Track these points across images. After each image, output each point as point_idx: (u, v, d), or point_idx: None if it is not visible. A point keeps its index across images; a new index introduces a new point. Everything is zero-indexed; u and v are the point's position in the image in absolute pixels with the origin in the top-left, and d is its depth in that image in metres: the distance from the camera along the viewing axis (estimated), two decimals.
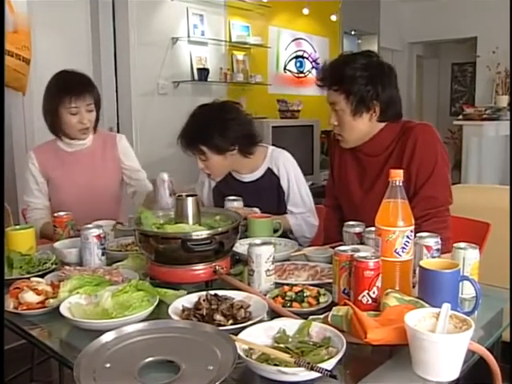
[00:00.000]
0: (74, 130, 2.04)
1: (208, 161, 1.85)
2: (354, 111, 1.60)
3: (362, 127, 1.63)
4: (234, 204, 1.80)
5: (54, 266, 1.48)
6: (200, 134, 1.81)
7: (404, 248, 1.13)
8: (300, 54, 5.23)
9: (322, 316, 1.07)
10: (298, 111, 4.69)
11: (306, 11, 4.83)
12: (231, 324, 1.05)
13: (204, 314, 1.08)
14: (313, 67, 5.36)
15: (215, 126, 1.80)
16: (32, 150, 2.16)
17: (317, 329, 0.99)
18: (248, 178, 1.97)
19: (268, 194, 1.92)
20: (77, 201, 2.06)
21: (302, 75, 5.27)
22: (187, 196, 1.39)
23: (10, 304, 1.19)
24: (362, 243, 1.43)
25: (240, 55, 4.51)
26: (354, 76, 1.57)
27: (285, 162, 1.95)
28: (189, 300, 1.15)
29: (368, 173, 1.71)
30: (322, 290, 1.22)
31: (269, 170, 1.95)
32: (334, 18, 5.19)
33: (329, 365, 0.86)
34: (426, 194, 1.59)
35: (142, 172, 2.22)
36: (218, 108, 1.89)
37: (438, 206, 1.60)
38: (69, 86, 2.00)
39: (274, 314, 1.11)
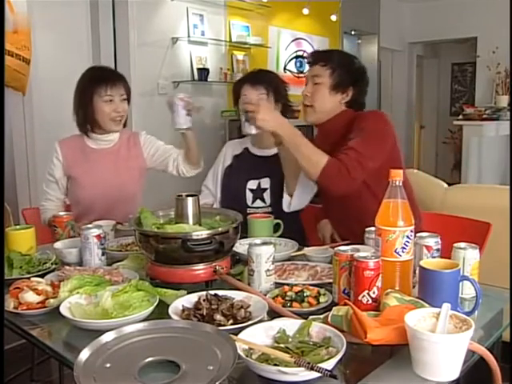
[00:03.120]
0: (108, 119, 2.05)
1: (266, 101, 2.03)
2: (332, 87, 1.80)
3: (332, 104, 1.82)
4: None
5: (54, 266, 1.48)
6: (266, 75, 2.15)
7: (404, 248, 1.13)
8: (300, 53, 5.23)
9: (322, 316, 1.07)
10: (298, 111, 4.68)
11: (306, 11, 4.82)
12: (231, 324, 1.05)
13: (204, 313, 1.08)
14: None
15: (276, 76, 2.19)
16: (58, 142, 2.14)
17: (317, 329, 0.99)
18: (265, 152, 2.12)
19: (279, 170, 2.00)
20: (96, 199, 2.07)
21: (302, 75, 5.25)
22: (187, 196, 1.39)
23: (10, 304, 1.19)
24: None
25: (240, 55, 4.50)
26: (343, 59, 1.85)
27: None
28: (189, 300, 1.15)
29: None
30: (322, 290, 1.22)
31: None
32: (334, 17, 5.18)
33: (329, 365, 0.86)
34: (349, 144, 1.67)
35: (171, 146, 2.21)
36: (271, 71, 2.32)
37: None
38: (103, 76, 2.08)
39: (274, 314, 1.11)
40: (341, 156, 1.63)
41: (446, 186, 2.71)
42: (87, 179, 2.09)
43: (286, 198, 1.97)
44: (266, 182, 2.05)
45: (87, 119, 2.07)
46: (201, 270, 1.29)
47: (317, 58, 1.85)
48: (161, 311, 1.13)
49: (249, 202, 2.06)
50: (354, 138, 1.68)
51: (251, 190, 2.07)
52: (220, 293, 1.16)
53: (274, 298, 1.19)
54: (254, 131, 1.70)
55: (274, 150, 2.07)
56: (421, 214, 1.87)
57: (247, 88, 2.06)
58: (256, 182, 2.07)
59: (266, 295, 1.20)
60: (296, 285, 1.24)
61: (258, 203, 2.05)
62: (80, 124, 2.10)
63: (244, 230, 1.62)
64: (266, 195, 2.05)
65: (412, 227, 1.14)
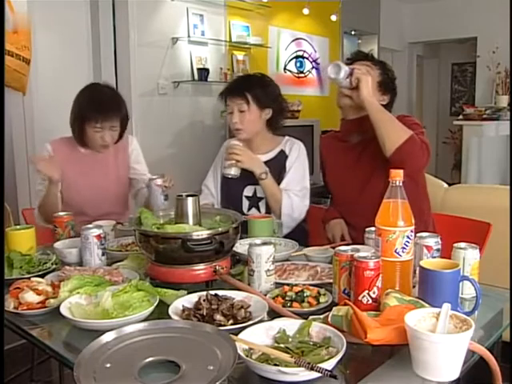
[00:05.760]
0: (96, 145, 2.10)
1: (247, 112, 1.99)
2: (378, 83, 1.86)
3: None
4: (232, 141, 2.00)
5: (54, 266, 1.48)
6: (246, 82, 2.06)
7: (404, 248, 1.13)
8: (300, 54, 5.23)
9: (322, 316, 1.07)
10: (298, 111, 4.68)
11: (306, 11, 4.81)
12: (231, 324, 1.05)
13: (204, 313, 1.08)
14: (313, 67, 5.35)
15: (259, 81, 2.08)
16: (49, 142, 2.14)
17: (317, 329, 0.99)
18: (261, 158, 2.06)
19: (273, 174, 2.00)
20: (87, 201, 2.09)
21: (302, 75, 5.26)
22: (187, 196, 1.39)
23: (10, 304, 1.19)
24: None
25: (240, 55, 4.50)
26: (388, 67, 1.95)
27: (299, 146, 2.12)
28: (189, 300, 1.15)
29: (363, 158, 1.89)
30: (322, 290, 1.22)
31: (282, 152, 2.10)
32: (334, 17, 5.17)
33: (329, 365, 0.86)
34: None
35: (147, 176, 2.21)
36: (258, 73, 2.21)
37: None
38: (98, 107, 2.03)
39: (274, 314, 1.11)
40: (420, 137, 1.70)
41: (446, 185, 2.71)
42: (79, 180, 2.11)
43: None
44: (261, 191, 2.02)
45: (80, 138, 2.11)
46: (201, 270, 1.29)
47: (366, 56, 1.94)
48: (161, 311, 1.13)
49: (245, 210, 2.05)
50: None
51: (247, 198, 2.06)
52: (220, 293, 1.16)
53: (274, 298, 1.19)
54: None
55: (268, 156, 2.07)
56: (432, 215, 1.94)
57: (228, 100, 2.04)
58: (252, 188, 2.05)
59: (266, 295, 1.21)
60: (296, 285, 1.24)
61: (254, 212, 2.04)
62: (75, 137, 2.13)
63: (244, 231, 1.62)
64: (262, 205, 2.04)
65: (412, 227, 1.14)
